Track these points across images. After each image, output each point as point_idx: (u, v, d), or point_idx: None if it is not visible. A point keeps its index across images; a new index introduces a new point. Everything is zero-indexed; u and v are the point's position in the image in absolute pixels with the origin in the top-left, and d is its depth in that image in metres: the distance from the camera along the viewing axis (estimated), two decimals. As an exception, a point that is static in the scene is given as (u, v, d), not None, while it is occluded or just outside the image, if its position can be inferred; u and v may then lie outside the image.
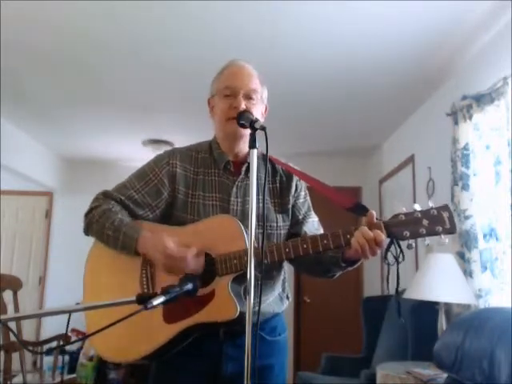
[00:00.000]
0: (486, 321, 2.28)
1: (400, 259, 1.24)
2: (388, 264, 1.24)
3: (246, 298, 1.34)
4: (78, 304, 1.37)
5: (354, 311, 5.01)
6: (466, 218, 2.88)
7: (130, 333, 1.36)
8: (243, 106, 1.42)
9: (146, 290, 1.41)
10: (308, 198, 1.60)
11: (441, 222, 1.23)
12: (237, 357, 1.40)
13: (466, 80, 3.23)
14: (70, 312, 1.15)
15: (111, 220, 1.41)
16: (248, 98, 1.45)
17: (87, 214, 1.48)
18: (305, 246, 1.31)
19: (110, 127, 4.95)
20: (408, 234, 1.24)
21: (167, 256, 1.33)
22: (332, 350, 4.37)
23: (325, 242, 1.30)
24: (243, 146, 1.49)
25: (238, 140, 1.48)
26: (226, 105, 1.45)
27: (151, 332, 1.38)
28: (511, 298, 2.51)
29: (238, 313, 1.30)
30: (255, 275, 1.17)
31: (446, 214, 1.23)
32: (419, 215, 1.25)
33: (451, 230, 1.23)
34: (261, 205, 1.35)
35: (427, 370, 2.58)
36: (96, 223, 1.44)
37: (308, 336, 5.48)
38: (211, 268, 1.36)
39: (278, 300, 1.53)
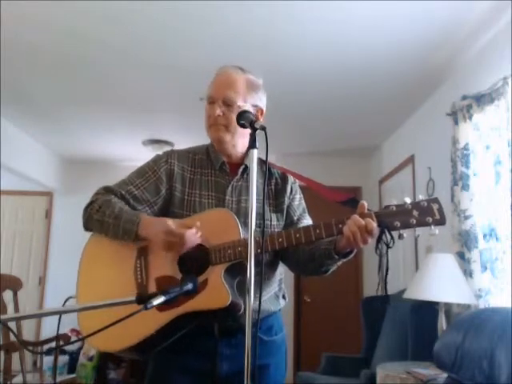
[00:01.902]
0: (486, 321, 2.28)
1: (390, 245, 1.26)
2: (380, 254, 1.26)
3: (240, 293, 1.34)
4: (70, 297, 1.37)
5: (354, 311, 5.01)
6: (466, 218, 2.88)
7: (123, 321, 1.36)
8: (219, 112, 1.47)
9: (139, 281, 1.43)
10: (303, 201, 1.63)
11: (431, 214, 1.26)
12: (232, 356, 1.41)
13: (466, 80, 3.23)
14: (68, 312, 1.15)
15: (111, 208, 1.44)
16: (226, 104, 1.49)
17: (86, 208, 1.51)
18: (297, 235, 1.33)
19: (110, 127, 4.95)
20: (399, 224, 1.27)
21: (168, 232, 1.35)
22: (332, 350, 4.37)
23: (317, 231, 1.32)
24: (234, 150, 1.54)
25: (223, 145, 1.53)
26: (206, 112, 1.53)
27: (143, 319, 1.37)
28: (511, 298, 2.51)
29: (229, 301, 1.31)
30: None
31: (435, 206, 1.26)
32: (410, 207, 1.27)
33: (441, 221, 1.26)
34: (258, 204, 1.35)
35: (427, 370, 2.58)
36: (96, 213, 1.46)
37: (308, 336, 5.47)
38: (205, 258, 1.38)
39: (274, 298, 1.55)
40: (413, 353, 3.13)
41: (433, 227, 1.26)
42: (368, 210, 1.30)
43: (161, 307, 1.35)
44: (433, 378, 2.42)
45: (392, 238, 1.27)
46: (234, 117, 1.44)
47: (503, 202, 2.61)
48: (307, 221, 1.60)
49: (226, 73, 1.54)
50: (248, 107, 1.49)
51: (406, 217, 1.26)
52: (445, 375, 2.34)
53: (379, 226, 1.27)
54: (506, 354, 2.00)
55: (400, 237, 1.27)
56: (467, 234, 2.86)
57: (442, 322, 2.84)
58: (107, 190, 1.53)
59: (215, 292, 1.34)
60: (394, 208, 1.29)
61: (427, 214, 1.26)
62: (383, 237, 1.27)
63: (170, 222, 1.36)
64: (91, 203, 1.51)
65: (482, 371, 2.08)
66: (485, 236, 2.78)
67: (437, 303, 2.86)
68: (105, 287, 1.46)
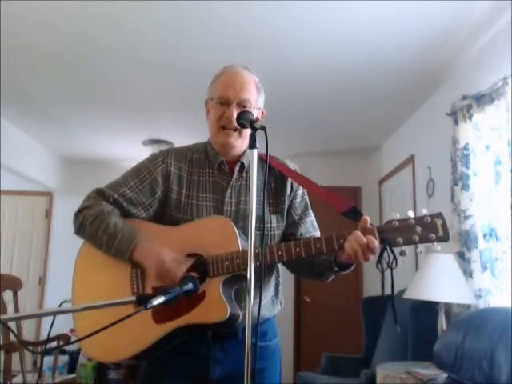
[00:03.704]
0: (486, 321, 2.28)
1: (393, 266, 1.23)
2: (382, 270, 1.23)
3: (238, 301, 1.33)
4: (65, 301, 1.36)
5: (354, 311, 5.01)
6: (466, 218, 2.88)
7: (118, 332, 1.29)
8: (235, 114, 1.41)
9: (135, 290, 1.40)
10: (306, 196, 1.59)
11: (434, 230, 1.22)
12: (224, 360, 1.40)
13: (466, 80, 3.23)
14: (67, 312, 1.15)
15: (105, 224, 1.39)
16: (241, 106, 1.44)
17: (77, 214, 1.46)
18: (297, 249, 1.30)
19: (110, 127, 4.95)
20: (401, 240, 1.23)
21: (161, 269, 1.33)
22: (332, 350, 4.37)
23: (318, 245, 1.29)
24: (236, 151, 1.49)
25: (230, 150, 1.48)
26: (218, 113, 1.46)
27: (140, 332, 1.36)
28: (511, 298, 2.51)
29: (228, 315, 1.29)
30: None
31: (439, 222, 1.22)
32: (413, 222, 1.24)
33: (444, 238, 1.22)
34: (258, 206, 1.33)
35: (427, 370, 2.58)
36: (89, 226, 1.42)
37: (308, 336, 5.47)
38: (203, 269, 1.35)
39: (270, 304, 1.52)
40: (413, 353, 3.13)
41: (436, 244, 1.23)
42: (371, 224, 1.28)
43: (158, 319, 1.35)
44: (433, 378, 2.42)
45: (394, 256, 1.23)
46: None
47: (503, 202, 2.61)
48: (310, 218, 1.57)
49: (239, 74, 1.49)
50: (256, 110, 1.49)
51: (408, 233, 1.23)
52: (445, 375, 2.34)
53: (381, 242, 1.24)
54: (506, 354, 2.00)
55: (402, 253, 1.24)
56: (467, 234, 2.86)
57: (442, 322, 2.84)
58: (99, 194, 1.47)
59: (213, 306, 1.31)
60: (397, 223, 1.25)
61: (431, 230, 1.22)
62: (385, 253, 1.24)
63: (166, 258, 1.33)
64: (82, 210, 1.45)
65: (482, 371, 2.08)
66: (485, 236, 2.78)
67: (437, 303, 2.86)
68: (101, 296, 1.42)
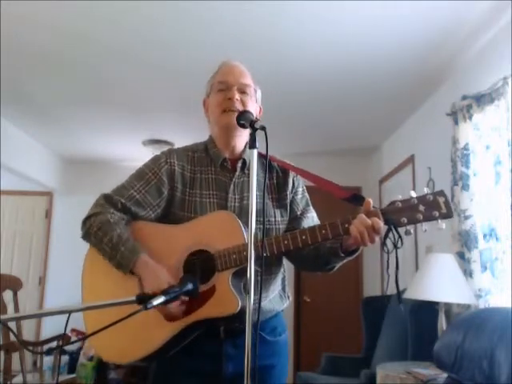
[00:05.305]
0: (486, 321, 2.28)
1: (399, 245, 1.24)
2: (387, 251, 1.23)
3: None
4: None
5: (354, 311, 5.01)
6: (466, 218, 2.88)
7: (129, 333, 1.35)
8: (237, 96, 1.46)
9: (146, 290, 1.39)
10: (306, 193, 1.61)
11: (437, 207, 1.23)
12: (237, 356, 1.40)
13: (466, 80, 3.23)
14: (69, 312, 1.15)
15: (109, 235, 1.40)
16: (242, 92, 1.48)
17: (85, 221, 1.47)
18: (303, 237, 1.31)
19: (110, 127, 4.95)
20: (405, 220, 1.25)
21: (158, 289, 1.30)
22: (332, 350, 4.37)
23: (323, 232, 1.30)
24: (239, 140, 1.51)
25: (233, 132, 1.48)
26: (220, 97, 1.49)
27: (152, 331, 1.37)
28: (511, 298, 2.51)
29: (239, 307, 1.29)
30: (255, 270, 1.16)
31: (441, 199, 1.24)
32: (415, 201, 1.25)
33: (448, 215, 1.23)
34: (259, 200, 1.34)
35: (427, 370, 2.58)
36: (94, 235, 1.43)
37: (308, 336, 5.48)
38: (211, 264, 1.35)
39: (278, 298, 1.53)
40: (413, 353, 3.13)
41: (440, 221, 1.23)
42: (374, 207, 1.29)
43: (169, 318, 1.35)
44: (433, 378, 2.42)
45: (400, 236, 1.24)
46: (249, 103, 1.47)
47: (503, 202, 2.61)
48: (311, 214, 1.58)
49: (237, 65, 1.55)
50: (254, 102, 1.52)
51: (412, 212, 1.24)
52: (445, 375, 2.34)
53: (386, 223, 1.25)
54: (506, 354, 2.00)
55: (407, 233, 1.25)
56: (467, 234, 2.86)
57: (442, 322, 2.84)
58: (107, 200, 1.47)
59: (224, 299, 1.32)
60: (400, 204, 1.27)
61: (433, 207, 1.23)
62: (390, 234, 1.25)
63: (164, 281, 1.30)
64: (90, 217, 1.46)
65: (482, 371, 2.08)
66: (485, 236, 2.78)
67: (437, 303, 2.86)
68: (111, 298, 1.39)
